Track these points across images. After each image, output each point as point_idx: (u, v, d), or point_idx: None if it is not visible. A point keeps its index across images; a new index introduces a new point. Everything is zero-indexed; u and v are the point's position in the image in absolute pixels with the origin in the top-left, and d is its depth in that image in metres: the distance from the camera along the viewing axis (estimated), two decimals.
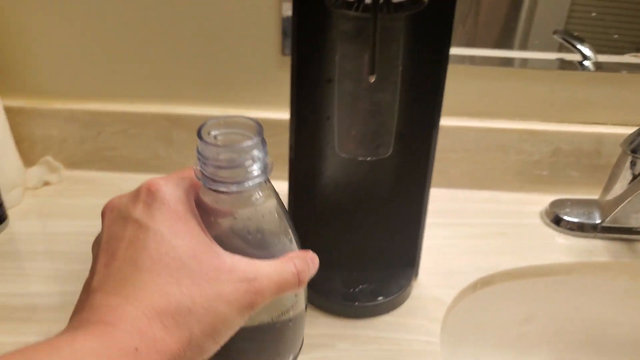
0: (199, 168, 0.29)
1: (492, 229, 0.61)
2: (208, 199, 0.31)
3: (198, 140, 0.29)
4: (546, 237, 0.60)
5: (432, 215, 0.50)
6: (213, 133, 0.30)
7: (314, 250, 0.53)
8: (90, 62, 0.64)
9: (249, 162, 0.29)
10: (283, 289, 0.30)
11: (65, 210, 0.62)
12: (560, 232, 0.60)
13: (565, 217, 0.60)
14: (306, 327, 0.47)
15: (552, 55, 0.61)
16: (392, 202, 0.51)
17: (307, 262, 0.32)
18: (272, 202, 0.32)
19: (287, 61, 0.62)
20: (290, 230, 0.34)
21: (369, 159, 0.44)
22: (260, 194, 0.31)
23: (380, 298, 0.48)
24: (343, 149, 0.43)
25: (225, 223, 0.31)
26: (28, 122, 0.66)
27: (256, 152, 0.29)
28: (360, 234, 0.52)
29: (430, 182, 0.48)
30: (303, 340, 0.38)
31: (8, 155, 0.61)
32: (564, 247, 0.58)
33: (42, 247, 0.57)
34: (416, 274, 0.52)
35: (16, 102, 0.64)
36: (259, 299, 0.29)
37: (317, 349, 0.45)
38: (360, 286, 0.50)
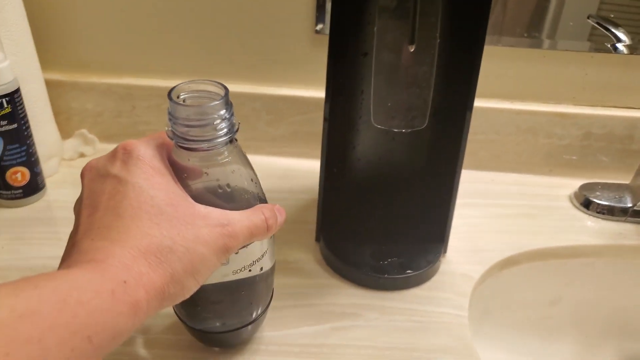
0: (170, 129, 0.32)
1: (520, 210, 0.61)
2: (180, 158, 0.33)
3: (169, 101, 0.31)
4: (575, 219, 0.60)
5: (460, 196, 0.51)
6: (182, 96, 0.32)
7: (344, 223, 0.54)
8: (127, 37, 0.65)
9: (216, 121, 0.31)
10: (254, 234, 0.33)
11: None
12: (590, 215, 0.60)
13: (596, 200, 0.60)
14: (335, 296, 0.48)
15: (586, 38, 0.61)
16: (423, 177, 0.52)
17: (275, 212, 0.35)
18: (240, 161, 0.35)
19: (320, 39, 0.63)
20: (257, 189, 0.36)
21: (404, 130, 0.44)
22: (228, 152, 0.33)
23: (409, 271, 0.49)
24: (379, 120, 0.44)
25: (197, 181, 0.33)
26: (65, 95, 0.67)
27: (222, 112, 0.31)
28: (390, 208, 0.53)
29: (463, 158, 0.48)
30: (272, 294, 0.42)
31: (47, 126, 0.63)
32: (593, 230, 0.58)
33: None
34: (445, 250, 0.53)
35: (55, 75, 0.66)
36: (233, 242, 0.31)
37: (346, 318, 0.46)
38: (389, 259, 0.50)
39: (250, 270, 0.37)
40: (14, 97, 0.53)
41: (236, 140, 0.34)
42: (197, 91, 0.33)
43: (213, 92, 0.33)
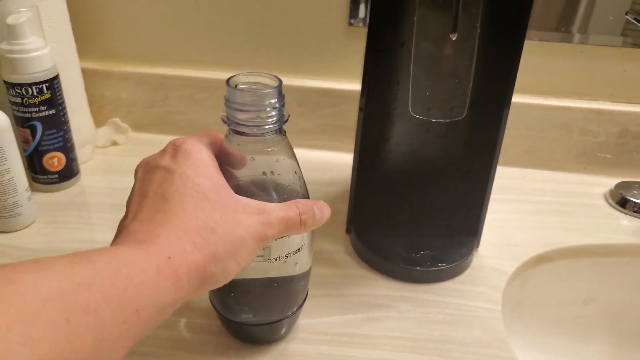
0: (225, 114, 0.34)
1: (553, 207, 0.60)
2: (231, 144, 0.35)
3: (227, 87, 0.33)
4: (611, 218, 0.59)
5: (493, 191, 0.50)
6: (240, 84, 0.35)
7: (375, 215, 0.53)
8: (161, 27, 0.66)
9: (267, 108, 0.33)
10: (289, 226, 0.34)
11: (130, 168, 0.63)
12: (626, 214, 0.59)
13: (633, 199, 0.59)
14: (366, 287, 0.48)
15: (619, 33, 0.60)
16: (458, 171, 0.52)
17: (312, 208, 0.35)
18: (286, 152, 0.36)
19: (353, 31, 0.63)
20: (300, 182, 0.38)
21: (442, 120, 0.44)
22: (276, 141, 0.35)
23: (441, 264, 0.49)
24: (417, 110, 0.43)
25: (243, 170, 0.35)
26: (100, 84, 0.68)
27: (274, 101, 0.33)
28: (423, 200, 0.53)
29: (499, 152, 0.48)
30: (306, 296, 0.42)
31: (82, 114, 0.64)
32: (629, 229, 0.57)
33: (108, 200, 0.60)
34: (477, 244, 0.52)
35: (90, 64, 0.67)
36: (269, 230, 0.33)
37: (379, 309, 0.46)
38: (422, 252, 0.50)
39: (285, 262, 0.37)
40: (53, 83, 0.54)
41: (285, 132, 0.36)
42: (253, 83, 0.35)
43: (267, 83, 0.35)
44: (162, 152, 0.34)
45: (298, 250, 0.38)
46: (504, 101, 0.46)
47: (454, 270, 0.49)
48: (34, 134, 0.55)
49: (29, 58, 0.52)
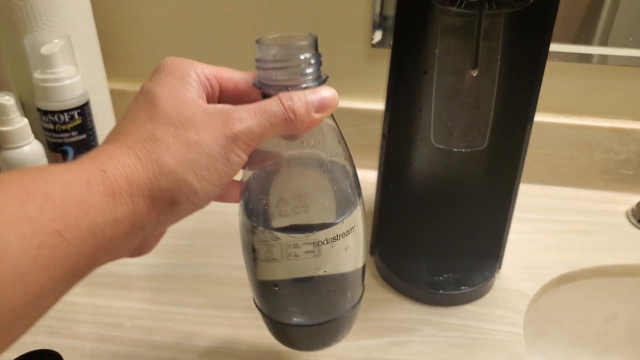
0: (257, 79, 0.30)
1: (575, 226, 0.60)
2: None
3: (257, 46, 0.30)
4: (633, 237, 0.59)
5: (514, 210, 0.51)
6: (271, 49, 0.30)
7: (399, 237, 0.54)
8: (185, 48, 0.67)
9: (302, 64, 0.29)
10: (268, 115, 0.28)
11: None
12: None
13: None
14: (390, 311, 0.49)
15: None
16: (479, 194, 0.52)
17: (302, 96, 0.29)
18: (331, 124, 0.32)
19: (376, 53, 0.64)
20: (346, 155, 0.34)
21: (464, 150, 0.45)
22: None
23: (464, 287, 0.49)
24: (439, 140, 0.44)
25: (285, 147, 0.31)
26: (128, 104, 0.70)
27: (308, 55, 0.29)
28: (445, 223, 0.53)
29: (520, 176, 0.48)
30: (363, 293, 0.38)
31: None
32: None
33: None
34: (499, 266, 0.53)
35: (119, 85, 0.69)
36: (238, 125, 0.27)
37: (404, 333, 0.47)
38: (445, 275, 0.51)
39: (333, 246, 0.32)
40: (84, 109, 0.56)
41: None
42: (286, 38, 0.31)
43: (300, 37, 0.30)
44: None
45: (348, 232, 0.32)
46: (525, 125, 0.46)
47: (476, 293, 0.50)
48: (65, 158, 0.57)
49: (61, 87, 0.54)
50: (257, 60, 0.30)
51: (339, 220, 0.32)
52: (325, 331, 0.36)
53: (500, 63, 0.43)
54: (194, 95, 0.29)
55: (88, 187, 0.24)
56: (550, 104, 0.63)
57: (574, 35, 0.60)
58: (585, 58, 0.61)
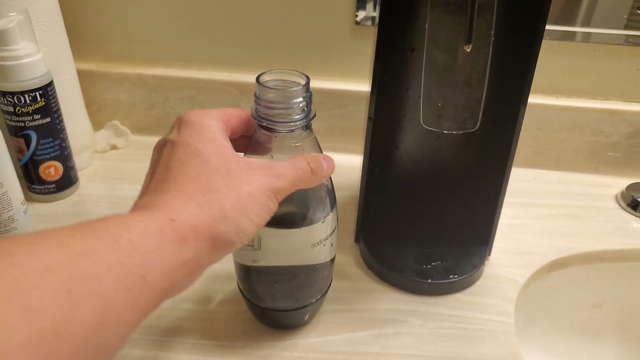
0: (255, 109, 0.35)
1: (565, 211, 0.59)
2: (259, 139, 0.36)
3: (256, 84, 0.35)
4: (622, 221, 0.58)
5: None
6: (269, 82, 0.35)
7: (385, 224, 0.52)
8: (160, 27, 0.63)
9: (294, 106, 0.34)
10: (300, 176, 0.34)
11: (131, 174, 0.63)
12: (638, 217, 0.58)
13: None
14: (377, 301, 0.47)
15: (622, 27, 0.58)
16: (469, 178, 0.50)
17: (318, 158, 0.35)
18: (312, 148, 0.37)
19: (360, 30, 0.61)
20: (329, 182, 0.39)
21: (454, 132, 0.42)
22: (304, 136, 0.36)
23: (453, 276, 0.47)
24: (428, 121, 0.42)
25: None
26: (97, 85, 0.66)
27: (302, 98, 0.34)
28: (434, 210, 0.51)
29: (512, 159, 0.46)
30: (330, 284, 0.44)
31: (79, 118, 0.62)
32: None
33: (109, 210, 0.58)
34: (489, 253, 0.51)
35: (87, 65, 0.65)
36: (279, 182, 0.32)
37: (390, 324, 0.45)
38: (433, 263, 0.49)
39: (324, 245, 0.39)
40: (47, 90, 0.52)
41: (311, 127, 0.37)
42: (282, 80, 0.36)
43: (296, 81, 0.36)
44: (171, 128, 0.35)
45: (326, 238, 0.39)
46: (518, 107, 0.44)
47: (465, 282, 0.48)
48: (28, 144, 0.53)
49: (20, 65, 0.50)
50: (256, 97, 0.35)
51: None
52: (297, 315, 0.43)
53: (494, 39, 0.40)
54: (227, 144, 0.33)
55: (161, 235, 0.27)
56: (540, 85, 0.61)
57: (565, 14, 0.58)
58: (575, 36, 0.59)
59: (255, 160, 0.33)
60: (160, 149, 0.34)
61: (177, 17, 0.63)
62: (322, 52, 0.62)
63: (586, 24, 0.58)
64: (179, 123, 0.34)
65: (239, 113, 0.37)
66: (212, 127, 0.33)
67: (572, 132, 0.62)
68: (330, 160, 0.36)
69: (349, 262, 0.51)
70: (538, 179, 0.64)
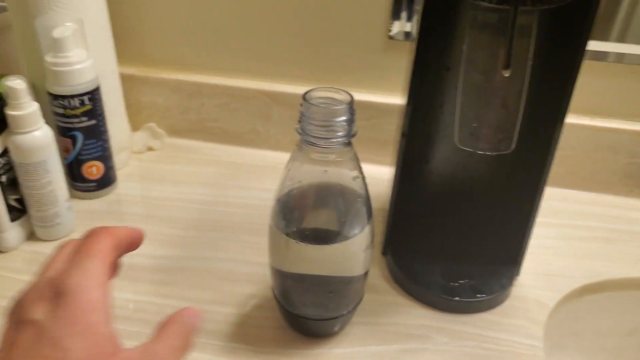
0: (299, 126, 0.37)
1: (597, 233, 0.58)
2: (303, 153, 0.38)
3: (303, 101, 0.36)
4: None
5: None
6: (315, 100, 0.37)
7: (413, 238, 0.52)
8: (198, 35, 0.65)
9: (339, 124, 0.36)
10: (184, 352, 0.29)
11: (166, 175, 0.65)
12: None
13: None
14: (402, 316, 0.47)
15: None
16: (500, 196, 0.50)
17: (184, 335, 0.29)
18: (352, 163, 0.39)
19: (392, 44, 0.62)
20: (363, 190, 0.41)
21: (489, 153, 0.42)
22: (345, 152, 0.38)
23: (480, 295, 0.48)
24: (463, 141, 0.42)
25: (315, 177, 0.39)
26: (136, 89, 0.68)
27: (345, 117, 0.36)
28: (463, 226, 0.51)
29: (546, 180, 0.46)
30: (362, 297, 0.45)
31: (119, 120, 0.64)
32: None
33: (143, 210, 0.60)
34: (518, 273, 0.51)
35: (128, 69, 0.67)
36: None
37: (415, 340, 0.45)
38: (460, 280, 0.49)
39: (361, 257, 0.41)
40: (94, 94, 0.55)
41: (352, 143, 0.39)
42: (327, 98, 0.38)
43: (340, 99, 0.37)
44: (39, 295, 0.27)
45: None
46: (554, 128, 0.44)
47: (493, 301, 0.48)
48: (74, 144, 0.56)
49: (72, 71, 0.52)
50: (302, 114, 0.37)
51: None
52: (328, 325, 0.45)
53: (532, 62, 0.40)
54: (105, 319, 0.27)
55: None
56: (574, 104, 0.60)
57: (606, 33, 0.58)
58: (612, 57, 0.58)
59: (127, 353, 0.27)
60: (17, 327, 0.26)
61: (214, 28, 0.64)
62: (353, 64, 0.63)
63: (621, 40, 0.58)
64: (54, 294, 0.26)
65: (129, 235, 0.31)
66: (94, 306, 0.27)
67: (607, 153, 0.61)
68: (194, 313, 0.30)
69: (376, 274, 0.51)
70: (568, 199, 0.63)
